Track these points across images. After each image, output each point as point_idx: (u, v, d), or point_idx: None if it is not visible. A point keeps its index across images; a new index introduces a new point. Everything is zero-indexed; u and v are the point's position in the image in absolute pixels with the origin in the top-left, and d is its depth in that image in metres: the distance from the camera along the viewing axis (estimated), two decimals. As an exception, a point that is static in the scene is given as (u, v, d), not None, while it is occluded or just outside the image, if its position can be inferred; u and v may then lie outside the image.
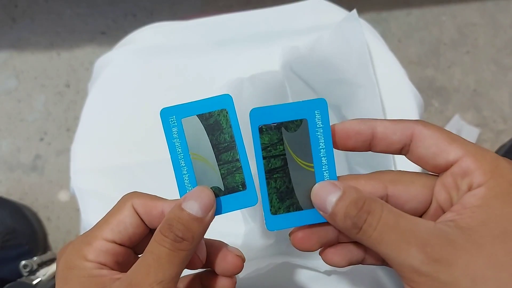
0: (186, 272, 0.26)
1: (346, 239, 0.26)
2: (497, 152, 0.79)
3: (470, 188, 0.23)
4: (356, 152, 0.26)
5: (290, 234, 0.26)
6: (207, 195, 0.24)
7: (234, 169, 0.26)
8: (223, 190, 0.26)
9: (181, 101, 0.25)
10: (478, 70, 0.98)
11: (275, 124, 0.25)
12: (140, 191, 0.27)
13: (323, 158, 0.25)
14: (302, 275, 0.42)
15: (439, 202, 0.24)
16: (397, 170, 0.26)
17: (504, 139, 0.91)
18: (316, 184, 0.25)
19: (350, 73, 0.45)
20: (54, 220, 0.92)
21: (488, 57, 0.99)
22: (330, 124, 0.25)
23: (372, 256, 0.26)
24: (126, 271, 0.24)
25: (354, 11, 0.46)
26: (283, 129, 0.25)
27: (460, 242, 0.21)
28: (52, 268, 0.73)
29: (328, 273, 0.41)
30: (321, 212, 0.24)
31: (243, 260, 0.27)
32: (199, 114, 0.25)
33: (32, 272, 0.71)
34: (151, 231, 0.26)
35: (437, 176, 0.25)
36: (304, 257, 0.41)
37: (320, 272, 0.41)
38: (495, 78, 0.97)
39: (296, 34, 0.50)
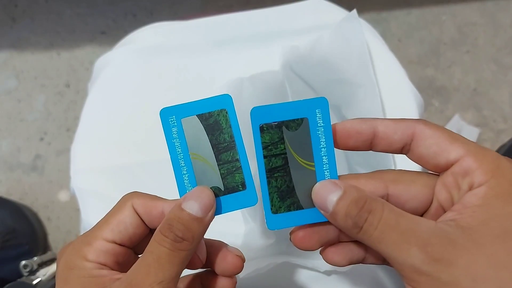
0: (186, 272, 0.26)
1: (346, 238, 0.26)
2: (497, 151, 0.79)
3: (471, 188, 0.23)
4: (356, 151, 0.26)
5: (291, 233, 0.26)
6: (207, 195, 0.24)
7: (234, 169, 0.25)
8: (223, 190, 0.26)
9: (181, 101, 0.25)
10: (478, 69, 0.98)
11: (276, 123, 0.25)
12: (140, 191, 0.27)
13: (324, 157, 0.25)
14: (302, 275, 0.42)
15: (440, 201, 0.24)
16: (398, 170, 0.26)
17: (504, 139, 0.91)
18: (317, 183, 0.25)
19: (350, 73, 0.45)
20: (54, 220, 0.92)
21: (488, 56, 0.99)
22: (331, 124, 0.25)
23: (373, 255, 0.26)
24: (126, 271, 0.24)
25: (354, 11, 0.46)
26: (284, 128, 0.25)
27: (461, 242, 0.21)
28: (52, 268, 0.73)
29: (328, 273, 0.41)
30: (322, 211, 0.24)
31: (243, 260, 0.27)
32: (199, 114, 0.25)
33: (32, 272, 0.71)
34: (151, 231, 0.26)
35: (438, 175, 0.25)
36: (304, 257, 0.41)
37: (320, 272, 0.41)
38: (495, 78, 0.97)
39: (296, 34, 0.50)
